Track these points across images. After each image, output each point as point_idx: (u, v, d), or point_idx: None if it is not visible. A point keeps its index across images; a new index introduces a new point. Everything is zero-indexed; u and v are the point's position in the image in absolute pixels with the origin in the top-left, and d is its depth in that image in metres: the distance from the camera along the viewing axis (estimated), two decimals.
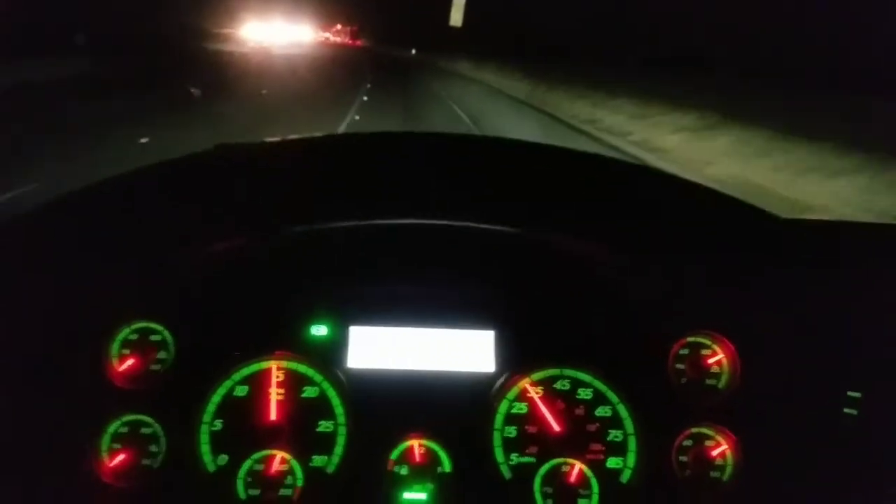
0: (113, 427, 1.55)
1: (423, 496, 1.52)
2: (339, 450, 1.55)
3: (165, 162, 1.63)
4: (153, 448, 1.55)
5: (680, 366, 1.57)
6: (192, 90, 16.17)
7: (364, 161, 1.69)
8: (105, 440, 1.54)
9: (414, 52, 68.14)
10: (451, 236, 1.64)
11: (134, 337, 1.59)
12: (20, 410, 1.49)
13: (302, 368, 1.59)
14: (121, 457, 1.53)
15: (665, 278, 1.58)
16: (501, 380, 1.57)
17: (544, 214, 1.61)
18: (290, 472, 1.53)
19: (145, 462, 1.54)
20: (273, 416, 1.55)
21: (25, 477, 1.48)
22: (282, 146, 1.75)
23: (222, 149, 1.65)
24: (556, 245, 1.62)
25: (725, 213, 1.60)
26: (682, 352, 1.58)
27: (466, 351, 1.59)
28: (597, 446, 1.54)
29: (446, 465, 1.54)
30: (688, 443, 1.55)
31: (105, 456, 1.54)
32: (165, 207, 1.57)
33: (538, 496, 1.52)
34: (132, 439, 1.55)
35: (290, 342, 1.59)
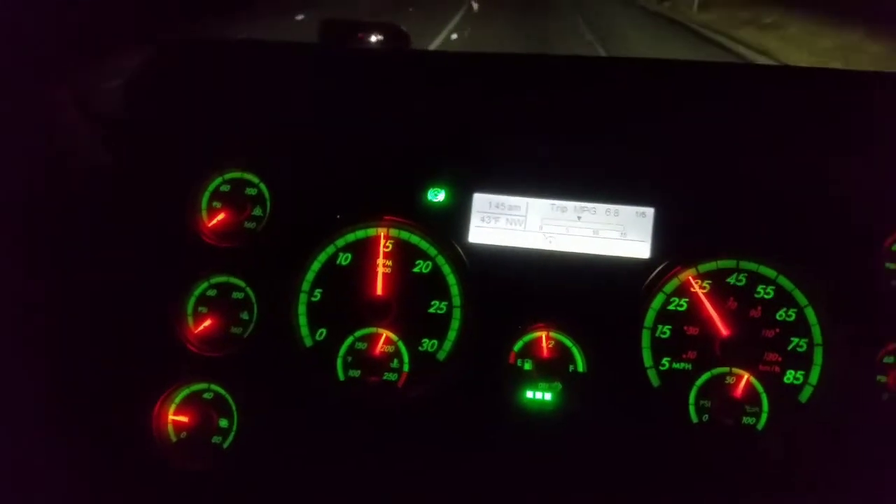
0: (200, 288, 1.37)
1: (548, 396, 1.28)
2: (452, 334, 1.32)
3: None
4: (244, 315, 1.35)
5: (891, 265, 1.24)
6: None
7: None
8: (191, 303, 1.37)
9: None
10: (603, 78, 1.33)
11: (226, 189, 1.38)
12: (103, 269, 1.33)
13: (414, 239, 1.34)
14: (208, 322, 1.36)
15: (880, 152, 1.23)
16: (659, 269, 1.28)
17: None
18: (396, 354, 1.31)
19: (234, 330, 1.36)
20: (379, 290, 1.33)
21: (109, 343, 1.33)
22: None
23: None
24: (740, 92, 1.28)
25: None
26: (894, 248, 1.24)
27: (615, 231, 1.30)
28: (773, 356, 1.24)
29: (580, 364, 1.28)
30: (889, 360, 1.23)
31: (191, 321, 1.37)
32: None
33: (692, 410, 1.25)
34: (221, 304, 1.36)
35: (403, 207, 1.35)
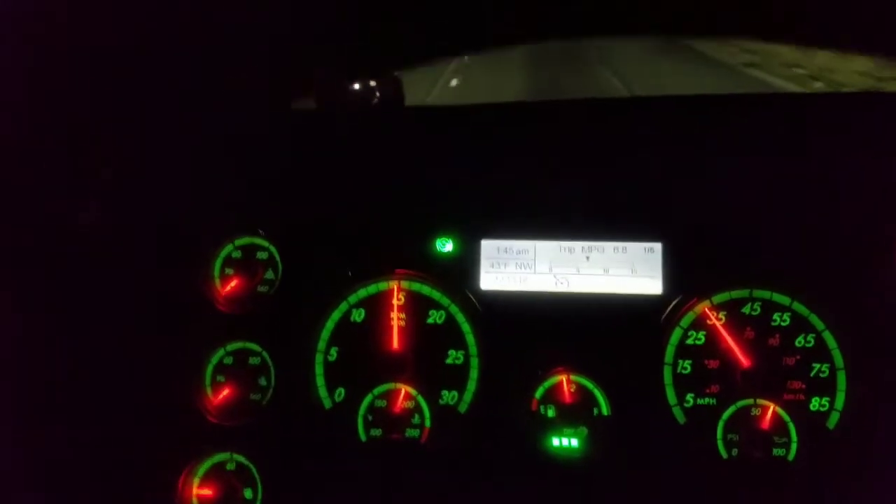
0: (216, 357, 1.37)
1: (574, 442, 1.27)
2: (471, 385, 1.31)
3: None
4: (262, 381, 1.35)
5: None
6: None
7: None
8: (208, 372, 1.37)
9: None
10: (604, 118, 1.35)
11: (238, 255, 1.39)
12: (115, 342, 1.33)
13: (426, 290, 1.35)
14: (226, 391, 1.35)
15: (886, 167, 1.24)
16: (673, 303, 1.28)
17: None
18: (417, 409, 1.30)
19: (253, 397, 1.35)
20: (395, 344, 1.32)
21: (125, 414, 1.32)
22: None
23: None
24: (740, 124, 1.30)
25: None
26: None
27: (625, 268, 1.30)
28: (796, 384, 1.23)
29: (604, 407, 1.27)
30: None
31: (208, 391, 1.37)
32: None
33: (721, 445, 1.23)
34: (238, 372, 1.36)
35: (413, 259, 1.35)
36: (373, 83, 1.67)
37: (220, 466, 1.34)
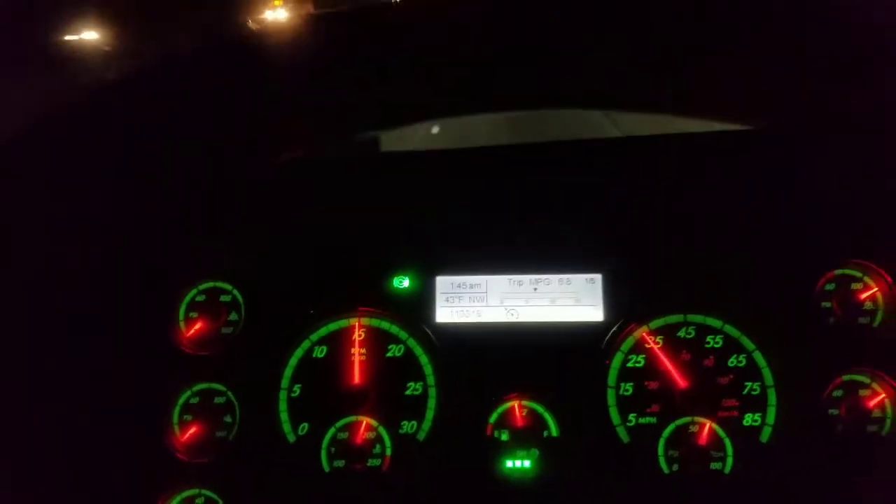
0: (183, 398, 1.42)
1: (527, 464, 1.34)
2: (430, 414, 1.38)
3: None
4: (227, 419, 1.41)
5: (826, 304, 1.33)
6: None
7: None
8: (175, 412, 1.42)
9: None
10: (546, 161, 1.44)
11: (202, 298, 1.45)
12: (84, 385, 1.38)
13: (385, 325, 1.42)
14: (193, 430, 1.40)
15: (805, 204, 1.35)
16: (614, 329, 1.36)
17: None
18: (378, 439, 1.37)
19: (220, 434, 1.40)
20: (356, 378, 1.39)
21: (97, 455, 1.37)
22: None
23: None
24: (671, 162, 1.40)
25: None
26: (828, 287, 1.34)
27: (570, 298, 1.39)
28: (730, 402, 1.32)
29: (553, 429, 1.35)
30: (838, 393, 1.31)
31: (177, 430, 1.42)
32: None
33: (662, 461, 1.31)
34: (204, 410, 1.41)
35: (371, 297, 1.42)
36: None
37: (189, 502, 1.38)
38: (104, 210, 1.43)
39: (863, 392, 1.31)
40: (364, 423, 1.37)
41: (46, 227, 1.37)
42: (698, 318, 1.35)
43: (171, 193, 1.45)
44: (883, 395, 1.30)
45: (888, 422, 1.30)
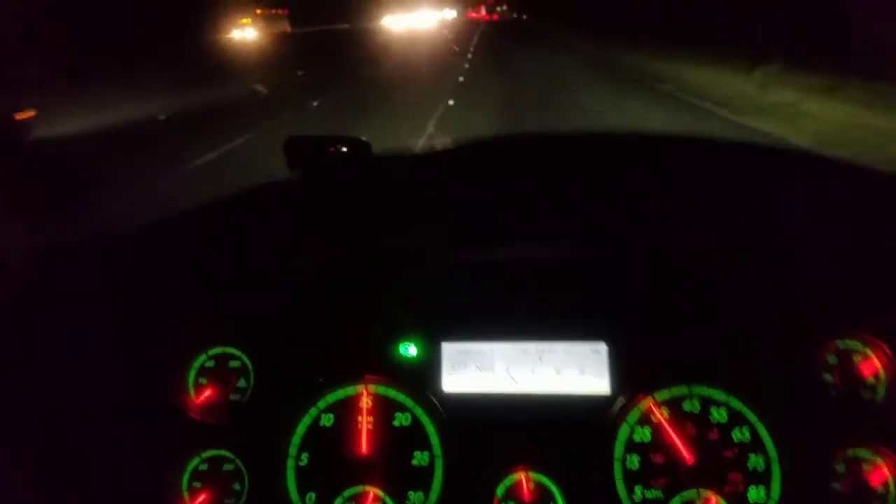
0: (192, 464, 1.43)
1: None
2: (436, 485, 1.38)
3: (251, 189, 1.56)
4: (236, 486, 1.41)
5: (829, 377, 1.35)
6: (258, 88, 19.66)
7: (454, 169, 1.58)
8: (185, 479, 1.42)
9: (525, 17, 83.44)
10: (553, 234, 1.47)
11: (211, 364, 1.47)
12: (94, 451, 1.39)
13: (391, 393, 1.43)
14: (202, 497, 1.41)
15: (807, 273, 1.37)
16: (620, 401, 1.38)
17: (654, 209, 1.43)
18: None
19: (228, 502, 1.41)
20: (363, 447, 1.40)
21: None
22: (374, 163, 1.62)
23: (294, 142, 1.55)
24: (675, 240, 1.43)
25: (872, 189, 1.38)
26: (830, 360, 1.35)
27: (576, 368, 1.40)
28: (735, 476, 1.32)
29: (560, 502, 1.36)
30: (842, 468, 1.32)
31: (186, 497, 1.42)
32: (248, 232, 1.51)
33: None
34: (213, 477, 1.42)
35: (378, 364, 1.44)
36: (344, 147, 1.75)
37: None
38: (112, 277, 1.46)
39: (866, 467, 1.31)
40: (371, 493, 1.38)
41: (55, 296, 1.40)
42: (703, 390, 1.36)
43: (184, 261, 1.48)
44: (886, 472, 1.31)
45: (891, 499, 1.31)
